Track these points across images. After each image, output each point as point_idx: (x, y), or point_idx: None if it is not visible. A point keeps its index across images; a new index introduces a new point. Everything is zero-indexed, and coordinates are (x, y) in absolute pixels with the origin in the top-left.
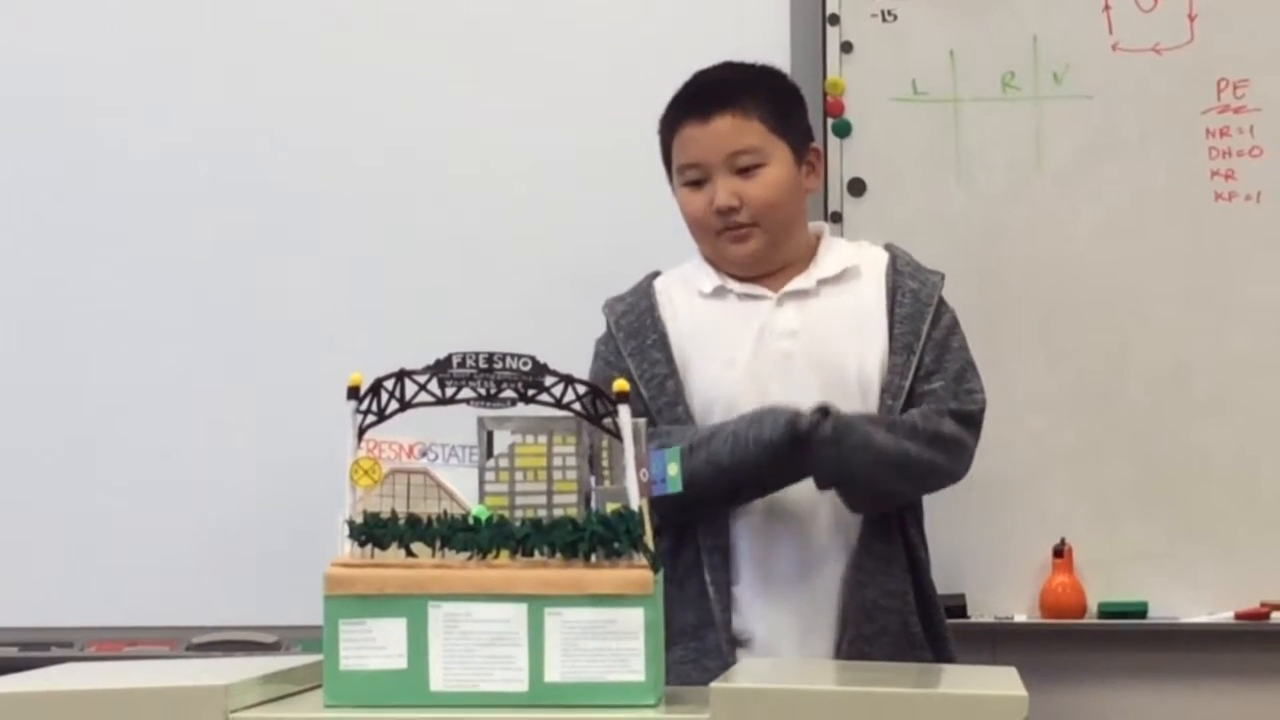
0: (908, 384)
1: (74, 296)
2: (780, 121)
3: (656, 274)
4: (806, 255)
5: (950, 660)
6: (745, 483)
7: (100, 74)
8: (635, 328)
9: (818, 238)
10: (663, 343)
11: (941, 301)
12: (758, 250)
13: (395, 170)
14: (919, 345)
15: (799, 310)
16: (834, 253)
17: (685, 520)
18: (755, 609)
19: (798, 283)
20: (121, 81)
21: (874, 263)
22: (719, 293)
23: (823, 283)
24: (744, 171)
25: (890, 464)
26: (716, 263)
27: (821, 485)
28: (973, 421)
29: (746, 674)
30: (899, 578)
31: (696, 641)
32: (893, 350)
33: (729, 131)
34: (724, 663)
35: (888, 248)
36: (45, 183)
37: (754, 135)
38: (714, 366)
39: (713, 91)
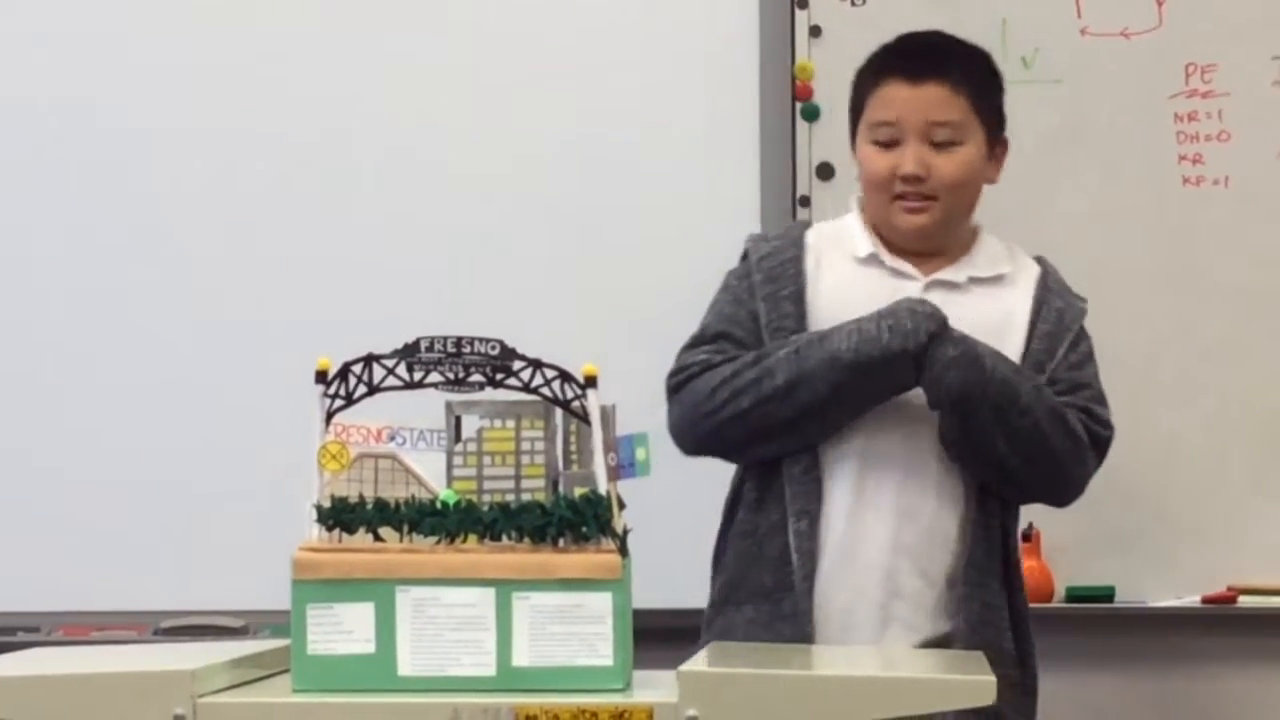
0: None
1: (41, 289)
2: (985, 104)
3: (807, 224)
4: (962, 246)
5: (1034, 677)
6: (858, 386)
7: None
8: (776, 274)
9: (974, 232)
10: (798, 296)
11: (1083, 329)
12: (930, 225)
13: (355, 165)
14: (1051, 365)
15: (944, 302)
16: (989, 252)
17: (772, 450)
18: (836, 587)
19: (949, 273)
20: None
21: (1026, 273)
22: (870, 260)
23: (974, 281)
24: (939, 145)
25: (996, 400)
26: (879, 227)
27: (933, 397)
28: (1098, 443)
29: (715, 657)
30: (996, 591)
31: (770, 605)
32: (1024, 364)
33: (936, 100)
34: (800, 630)
35: (1039, 261)
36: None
37: (958, 110)
38: None
39: (929, 55)
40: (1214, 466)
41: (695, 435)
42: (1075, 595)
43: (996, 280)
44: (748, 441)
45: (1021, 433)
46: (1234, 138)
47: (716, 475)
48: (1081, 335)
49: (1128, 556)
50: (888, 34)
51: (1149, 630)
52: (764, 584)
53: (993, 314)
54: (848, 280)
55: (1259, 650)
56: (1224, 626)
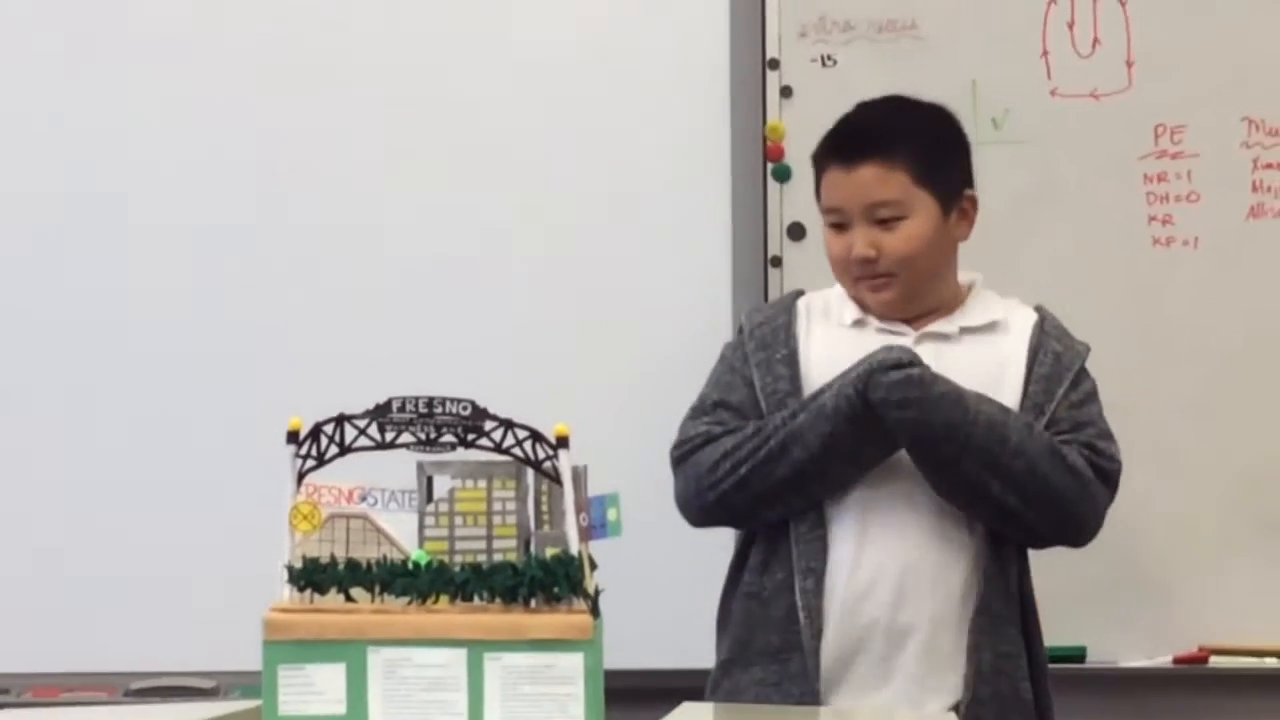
0: None
1: (6, 350)
2: (928, 172)
3: (800, 292)
4: (954, 302)
5: None
6: (847, 436)
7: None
8: (768, 340)
9: (970, 286)
10: (791, 359)
11: (1083, 369)
12: (895, 299)
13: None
14: (1051, 406)
15: (936, 354)
16: (982, 304)
17: (778, 512)
18: (841, 644)
19: (939, 325)
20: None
21: (1021, 321)
22: (859, 324)
23: (965, 331)
24: (884, 222)
25: (984, 440)
26: (857, 301)
27: (908, 440)
28: (1106, 477)
29: (684, 718)
30: (1013, 638)
31: (779, 665)
32: (1023, 408)
33: (871, 182)
34: (809, 689)
35: (1038, 309)
36: None
37: (896, 187)
38: None
39: (860, 137)
40: (1185, 526)
41: (701, 506)
42: (1047, 655)
43: (989, 328)
44: (752, 507)
45: (1016, 474)
46: (1203, 199)
47: (688, 535)
48: (1082, 376)
49: (1099, 616)
50: (859, 94)
51: (1121, 690)
52: (771, 644)
53: (987, 362)
54: (837, 342)
55: (1231, 710)
56: (1196, 686)
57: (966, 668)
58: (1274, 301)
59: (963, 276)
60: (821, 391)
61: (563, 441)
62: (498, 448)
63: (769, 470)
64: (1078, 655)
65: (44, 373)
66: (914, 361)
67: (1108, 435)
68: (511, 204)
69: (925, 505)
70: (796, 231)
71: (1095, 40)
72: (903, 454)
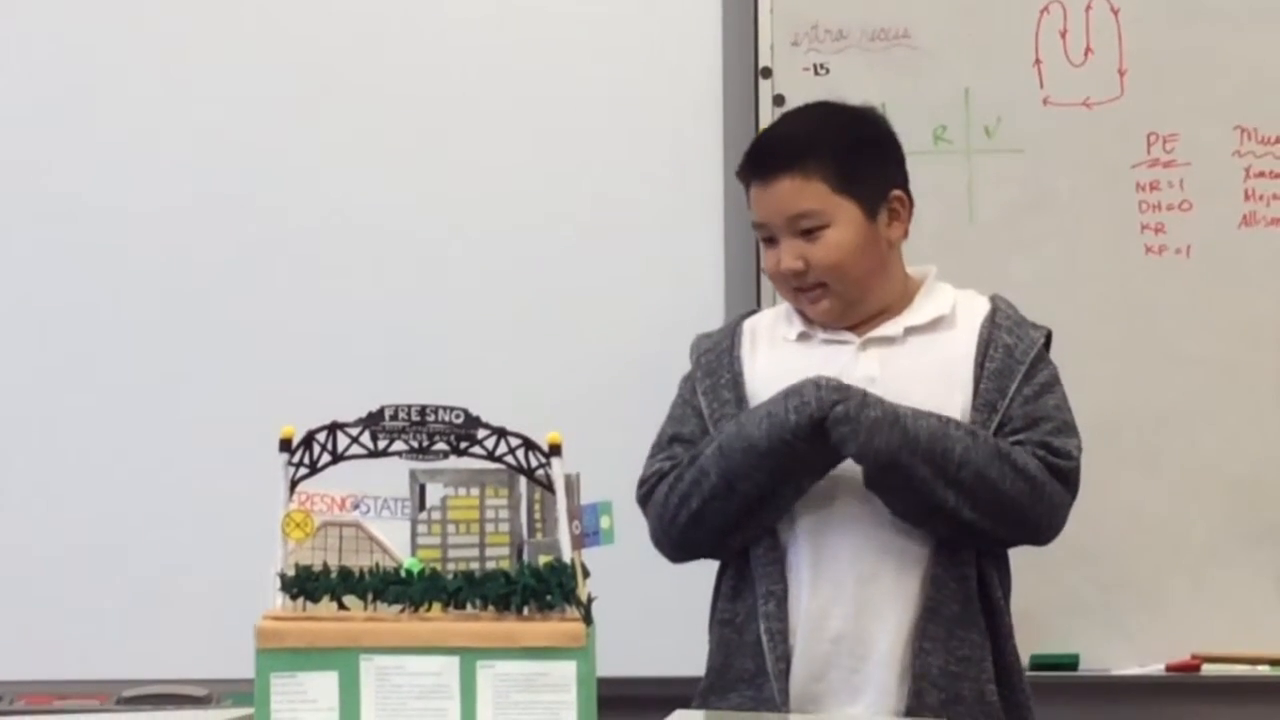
0: None
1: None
2: (846, 179)
3: (750, 313)
4: (902, 301)
5: None
6: (783, 468)
7: (55, 135)
8: (713, 366)
9: (916, 284)
10: (735, 383)
11: (1040, 358)
12: (832, 308)
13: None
14: (1004, 403)
15: (881, 358)
16: (931, 300)
17: (738, 540)
18: (808, 662)
19: (884, 329)
20: (83, 146)
21: (971, 313)
22: (803, 338)
23: (910, 331)
24: (808, 233)
25: (927, 457)
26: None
27: (862, 465)
28: (1061, 476)
29: None
30: (974, 643)
31: (754, 690)
32: (975, 406)
33: (788, 195)
34: (782, 716)
35: (992, 299)
36: None
37: (814, 198)
38: None
39: (773, 151)
40: (1177, 534)
41: (670, 544)
42: (1039, 663)
43: (935, 325)
44: (714, 538)
45: (965, 484)
46: (1195, 207)
47: None
48: (1038, 366)
49: (1091, 625)
50: (851, 102)
51: (1113, 699)
52: (746, 670)
53: (934, 361)
54: (782, 358)
55: (1223, 718)
56: (1188, 695)
57: (911, 674)
58: (1266, 310)
59: (915, 271)
60: (746, 421)
61: (555, 449)
62: (490, 456)
63: (718, 506)
64: (1070, 663)
65: (34, 382)
66: (840, 398)
67: (1064, 429)
68: (505, 210)
69: (879, 517)
70: None
71: (1088, 49)
72: (851, 468)
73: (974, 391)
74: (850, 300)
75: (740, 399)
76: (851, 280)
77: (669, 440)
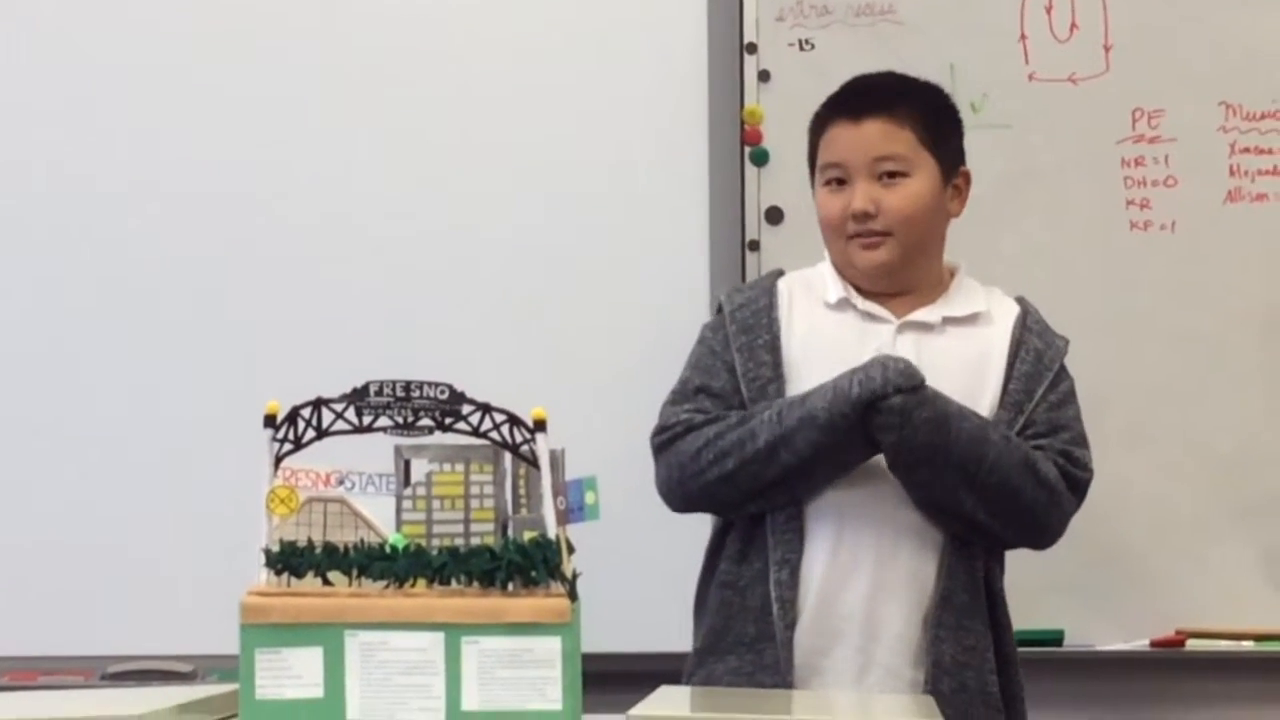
0: None
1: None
2: (932, 136)
3: (780, 273)
4: (937, 286)
5: (1021, 718)
6: (834, 443)
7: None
8: (749, 324)
9: (952, 273)
10: (773, 345)
11: (1063, 368)
12: (888, 260)
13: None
14: (1029, 406)
15: (917, 344)
16: (966, 293)
17: (760, 506)
18: (816, 634)
19: (923, 314)
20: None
21: (1004, 314)
22: (842, 305)
23: (948, 321)
24: (886, 179)
25: (959, 461)
26: (843, 270)
27: (888, 457)
28: (1076, 487)
29: (663, 701)
30: (979, 633)
31: (754, 655)
32: (1002, 405)
33: (878, 136)
34: (782, 680)
35: (1019, 301)
36: None
37: (902, 144)
38: (820, 380)
39: (869, 94)
40: (1163, 510)
41: (684, 495)
42: (1024, 639)
43: (972, 319)
44: (737, 501)
45: (990, 490)
46: (1181, 183)
47: (666, 519)
48: (1062, 375)
49: (1077, 600)
50: (837, 79)
51: (1098, 674)
52: (747, 634)
53: (969, 353)
54: (820, 325)
55: (1208, 694)
56: (1173, 670)
57: (927, 661)
58: (1251, 285)
59: (946, 262)
60: (811, 394)
61: (540, 425)
62: (475, 431)
63: (756, 470)
64: (1055, 639)
65: (16, 363)
66: (905, 385)
67: (1082, 441)
68: (488, 189)
69: (902, 501)
70: (774, 215)
71: (1073, 24)
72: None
73: (1002, 390)
74: (906, 257)
75: (778, 362)
76: (915, 236)
77: (695, 391)
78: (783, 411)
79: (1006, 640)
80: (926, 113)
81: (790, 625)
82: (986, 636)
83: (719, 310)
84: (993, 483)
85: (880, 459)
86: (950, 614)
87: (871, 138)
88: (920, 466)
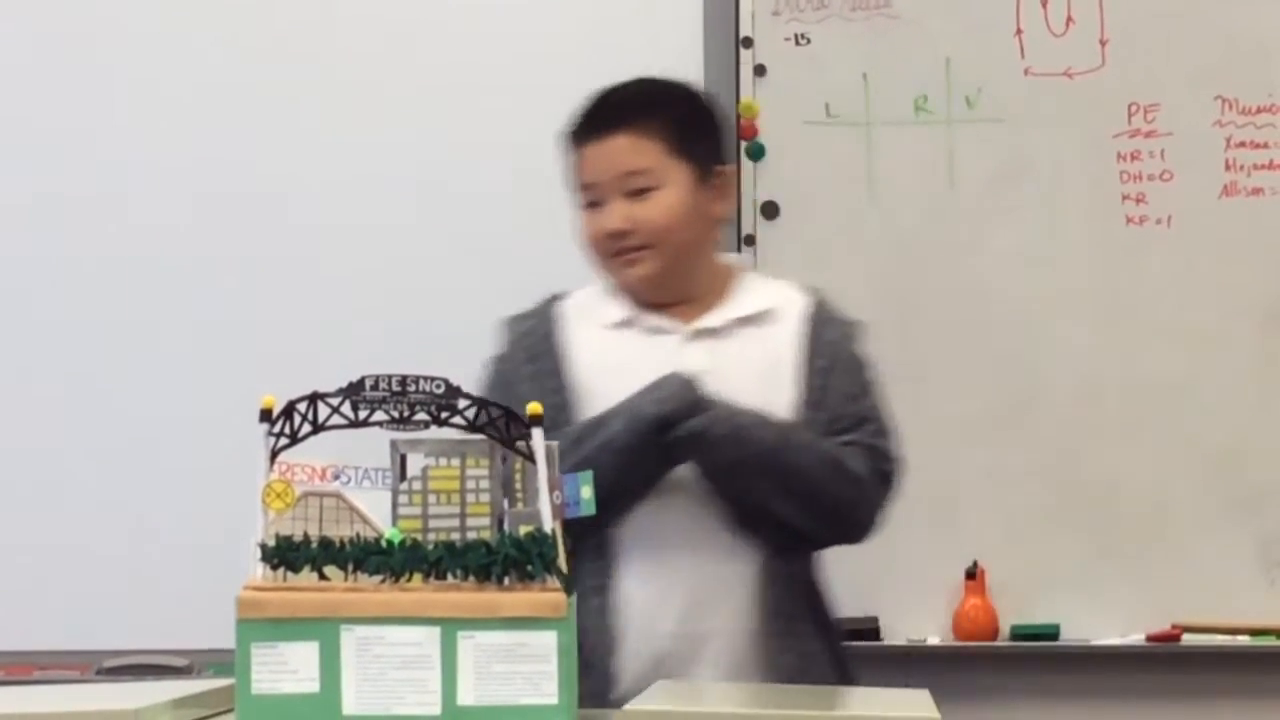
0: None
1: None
2: (683, 143)
3: (557, 295)
4: (720, 289)
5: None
6: (635, 465)
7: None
8: (536, 351)
9: (732, 273)
10: (558, 371)
11: (862, 354)
12: (650, 274)
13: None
14: (830, 401)
15: (709, 351)
16: (751, 291)
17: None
18: (639, 659)
19: (709, 320)
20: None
21: (793, 307)
22: (625, 323)
23: (737, 323)
24: (637, 194)
25: (765, 470)
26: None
27: (696, 474)
28: (886, 479)
29: (659, 696)
30: (810, 635)
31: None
32: (807, 404)
33: (624, 151)
34: (609, 707)
35: (811, 291)
36: None
37: (650, 156)
38: (615, 402)
39: (610, 110)
40: (1157, 504)
41: None
42: (1020, 634)
43: (761, 318)
44: None
45: (799, 494)
46: (1176, 177)
47: None
48: (858, 363)
49: (1072, 595)
50: (833, 73)
51: (1093, 668)
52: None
53: (761, 355)
54: (605, 347)
55: (1203, 688)
56: (1168, 664)
57: (768, 672)
58: (1246, 279)
59: (729, 260)
60: (608, 417)
61: (536, 420)
62: (471, 426)
63: None
64: (1051, 633)
65: (13, 357)
66: (698, 406)
67: (887, 430)
68: (482, 182)
69: (714, 514)
70: (770, 210)
71: (1069, 19)
72: (686, 469)
73: (801, 388)
74: (671, 268)
75: (564, 387)
76: (675, 246)
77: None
78: (580, 438)
79: (838, 642)
80: (674, 119)
81: (608, 654)
82: (819, 640)
83: (500, 343)
84: (800, 488)
85: (683, 476)
86: (782, 621)
87: (617, 154)
88: (727, 481)
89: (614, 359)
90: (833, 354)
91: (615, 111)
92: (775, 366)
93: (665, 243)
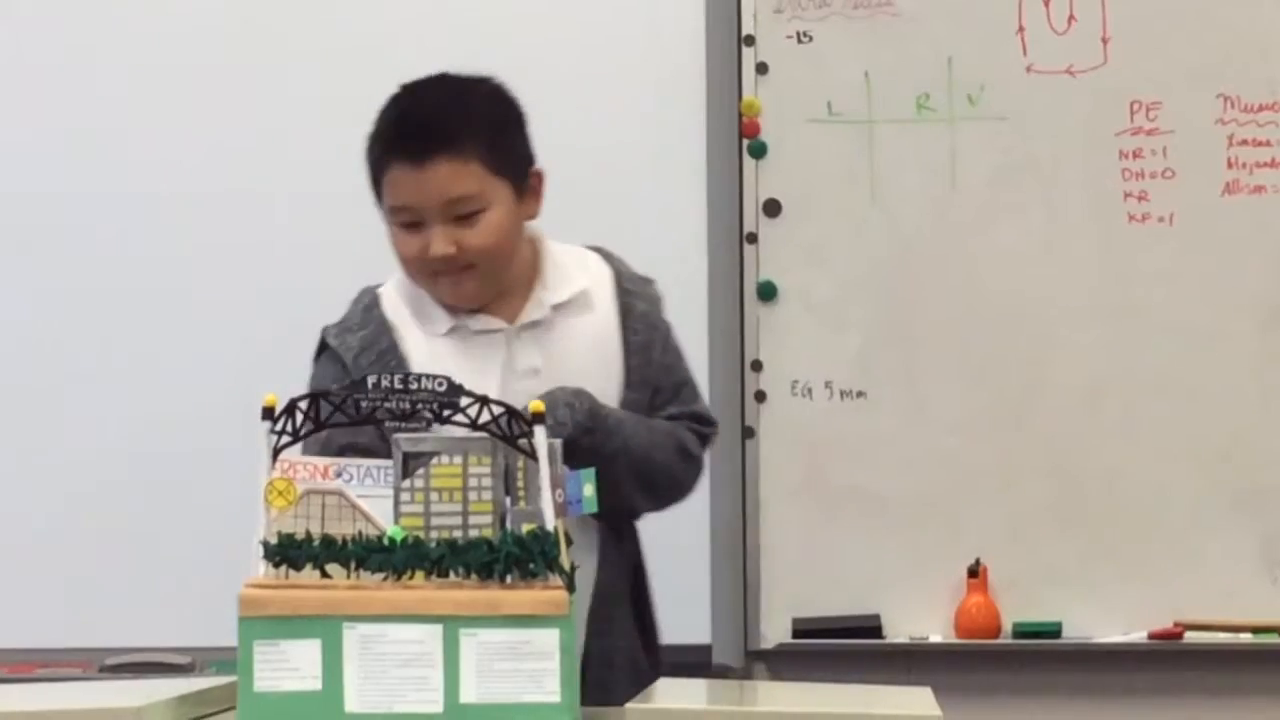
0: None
1: None
2: (501, 158)
3: (375, 300)
4: (529, 273)
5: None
6: None
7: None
8: (387, 366)
9: (534, 250)
10: None
11: (665, 319)
12: (476, 291)
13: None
14: (652, 375)
15: (538, 343)
16: (559, 268)
17: None
18: None
19: (531, 313)
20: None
21: (601, 281)
22: (453, 331)
23: (557, 309)
24: (462, 218)
25: (635, 471)
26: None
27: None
28: (707, 442)
29: (662, 694)
30: (630, 614)
31: None
32: (630, 385)
33: (446, 179)
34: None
35: (606, 258)
36: None
37: (472, 180)
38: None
39: (427, 131)
40: (1160, 502)
41: None
42: (1022, 631)
43: (578, 301)
44: None
45: (658, 486)
46: (1178, 175)
47: (662, 514)
48: (666, 330)
49: (1074, 592)
50: (835, 71)
51: (1096, 666)
52: None
53: (586, 342)
54: (440, 355)
55: (1206, 686)
56: (1171, 662)
57: (594, 659)
58: (1248, 277)
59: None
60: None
61: (538, 418)
62: (473, 424)
63: None
64: (1053, 631)
65: (14, 355)
66: (590, 425)
67: (696, 391)
68: None
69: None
70: (772, 208)
71: (1071, 16)
72: None
73: (624, 367)
74: (494, 281)
75: None
76: (501, 262)
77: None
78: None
79: (650, 611)
80: (489, 135)
81: None
82: (630, 616)
83: (331, 355)
84: (661, 480)
85: None
86: (606, 606)
87: (439, 182)
88: (610, 488)
89: (450, 369)
90: (646, 326)
91: (431, 135)
92: (600, 349)
93: (490, 261)
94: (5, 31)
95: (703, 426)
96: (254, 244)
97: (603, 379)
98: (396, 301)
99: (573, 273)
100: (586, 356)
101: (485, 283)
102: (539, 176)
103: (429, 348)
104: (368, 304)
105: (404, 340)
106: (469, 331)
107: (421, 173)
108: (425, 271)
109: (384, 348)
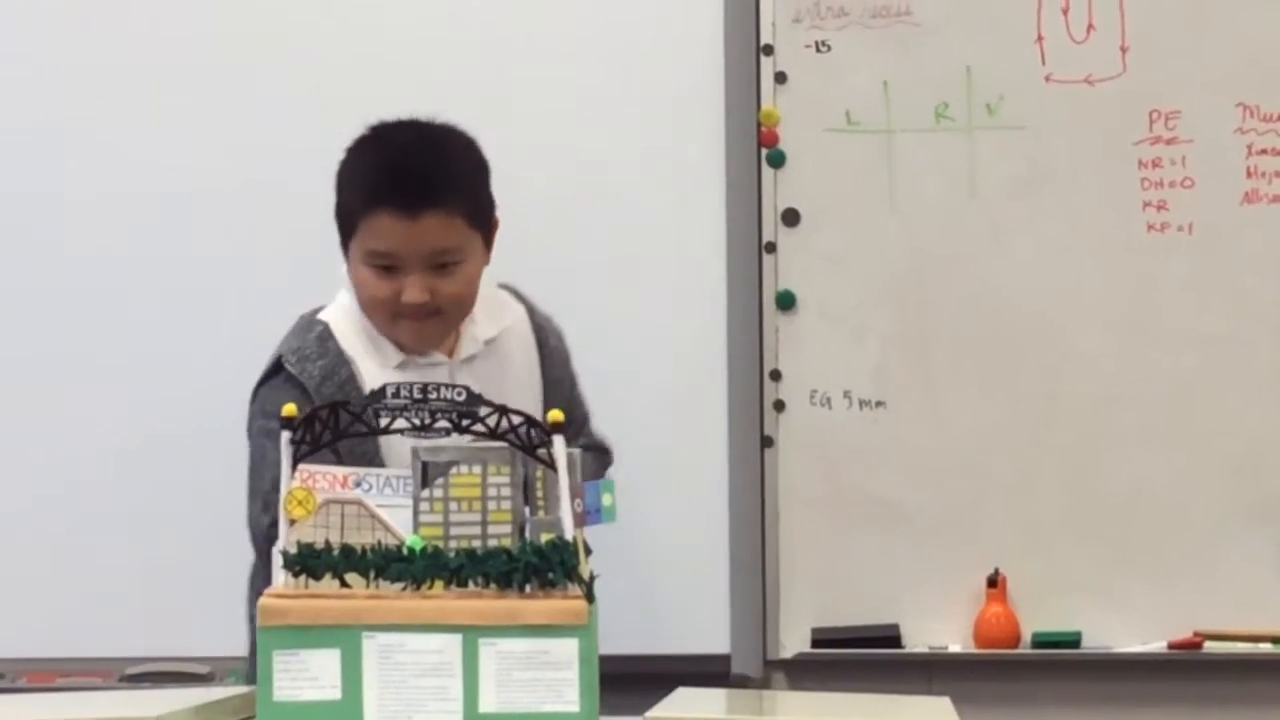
0: None
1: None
2: (478, 211)
3: (326, 328)
4: None
5: None
6: None
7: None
8: (349, 394)
9: None
10: None
11: (567, 350)
12: (437, 335)
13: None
14: (569, 409)
15: (474, 375)
16: (486, 308)
17: None
18: None
19: (468, 347)
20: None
21: (520, 321)
22: (405, 364)
23: (488, 343)
24: (440, 268)
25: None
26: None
27: None
28: (608, 464)
29: (681, 704)
30: None
31: None
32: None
33: (435, 232)
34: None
35: (517, 296)
36: None
37: (457, 234)
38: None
39: (423, 184)
40: (1179, 512)
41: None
42: (1041, 641)
43: (503, 337)
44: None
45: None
46: (1198, 184)
47: (683, 521)
48: (568, 360)
49: (1094, 602)
50: (853, 80)
51: (1115, 676)
52: None
53: (514, 373)
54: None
55: (1225, 696)
56: (1190, 672)
57: None
58: (1267, 287)
59: None
60: None
61: (557, 428)
62: (492, 433)
63: None
64: (1073, 641)
65: (33, 364)
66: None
67: (587, 408)
68: (504, 189)
69: None
70: (791, 218)
71: (1089, 26)
72: None
73: (544, 396)
74: (454, 328)
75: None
76: (466, 310)
77: None
78: None
79: None
80: (471, 190)
81: None
82: None
83: (289, 380)
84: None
85: None
86: None
87: (428, 235)
88: None
89: None
90: (559, 361)
91: (427, 187)
92: (526, 381)
93: (460, 309)
94: (5, 31)
95: (605, 454)
96: (254, 244)
97: (531, 407)
98: (347, 333)
99: (496, 310)
100: (515, 386)
101: (448, 328)
102: (497, 225)
103: (383, 378)
104: (320, 334)
105: (360, 372)
106: (417, 365)
107: (413, 224)
108: (388, 313)
109: (344, 379)
